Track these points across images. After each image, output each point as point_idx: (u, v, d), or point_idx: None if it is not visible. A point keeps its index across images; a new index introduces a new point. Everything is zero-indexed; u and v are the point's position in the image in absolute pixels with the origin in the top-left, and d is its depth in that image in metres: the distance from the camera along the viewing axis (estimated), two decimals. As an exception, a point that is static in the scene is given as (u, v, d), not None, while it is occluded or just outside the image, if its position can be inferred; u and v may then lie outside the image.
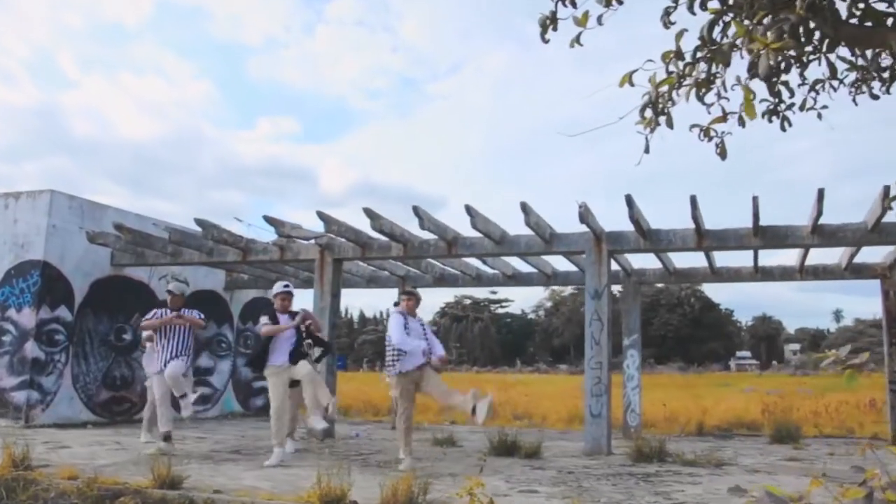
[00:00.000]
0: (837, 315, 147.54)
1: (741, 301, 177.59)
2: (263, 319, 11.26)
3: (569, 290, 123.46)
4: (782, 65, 4.35)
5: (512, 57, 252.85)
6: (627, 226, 13.47)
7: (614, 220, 13.84)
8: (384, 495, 7.43)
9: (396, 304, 11.28)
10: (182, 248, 16.31)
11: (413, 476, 7.72)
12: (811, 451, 14.24)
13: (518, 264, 18.02)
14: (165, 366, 12.00)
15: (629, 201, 12.72)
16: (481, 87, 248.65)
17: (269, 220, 14.32)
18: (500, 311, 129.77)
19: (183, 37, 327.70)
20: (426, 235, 14.55)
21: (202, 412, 19.32)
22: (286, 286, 11.55)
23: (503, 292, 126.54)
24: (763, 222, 13.13)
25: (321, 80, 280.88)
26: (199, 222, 14.95)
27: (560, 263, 17.99)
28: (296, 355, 11.16)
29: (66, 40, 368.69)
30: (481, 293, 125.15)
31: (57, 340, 15.86)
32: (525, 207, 13.10)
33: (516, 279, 18.52)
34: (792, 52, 4.28)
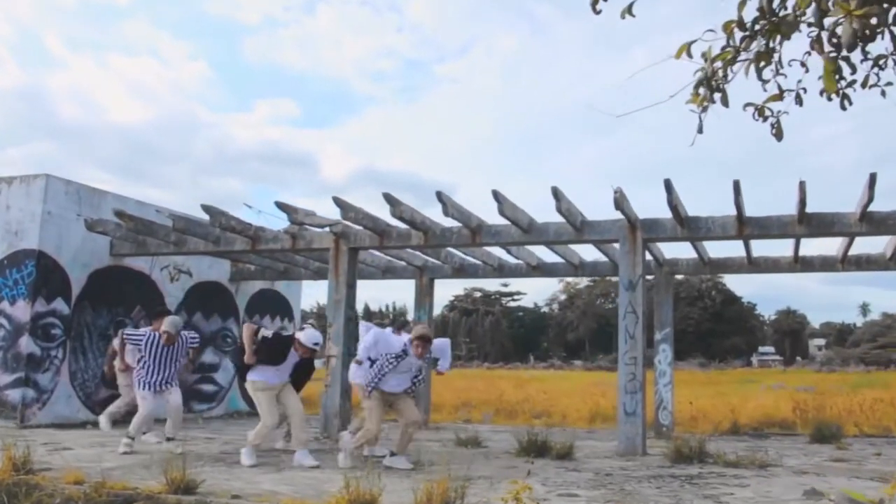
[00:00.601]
0: (864, 309, 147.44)
1: (764, 294, 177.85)
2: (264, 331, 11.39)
3: (584, 282, 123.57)
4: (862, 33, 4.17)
5: (523, 38, 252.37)
6: (655, 213, 13.39)
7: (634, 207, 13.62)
8: (418, 499, 7.26)
9: (393, 328, 11.56)
10: (186, 236, 16.13)
11: (448, 479, 7.54)
12: (855, 451, 14.15)
13: (543, 253, 17.85)
14: (160, 387, 12.29)
15: (668, 186, 12.55)
16: (491, 69, 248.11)
17: (282, 207, 14.14)
18: (512, 304, 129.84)
19: (177, 15, 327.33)
20: (448, 223, 14.40)
21: (207, 411, 19.20)
22: (316, 344, 11.30)
23: (515, 284, 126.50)
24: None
25: (322, 61, 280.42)
26: (206, 209, 14.76)
27: (588, 253, 17.83)
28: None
29: (53, 18, 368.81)
30: (492, 285, 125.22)
31: (53, 335, 15.71)
32: (556, 193, 12.91)
33: (541, 270, 18.33)
34: (873, 20, 4.12)
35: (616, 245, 16.13)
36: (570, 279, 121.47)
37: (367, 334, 11.26)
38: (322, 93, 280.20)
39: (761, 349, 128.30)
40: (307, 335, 11.18)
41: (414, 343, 10.98)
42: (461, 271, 18.81)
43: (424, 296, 19.05)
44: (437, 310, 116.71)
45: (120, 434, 12.44)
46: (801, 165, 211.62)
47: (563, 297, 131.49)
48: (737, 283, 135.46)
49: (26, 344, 15.24)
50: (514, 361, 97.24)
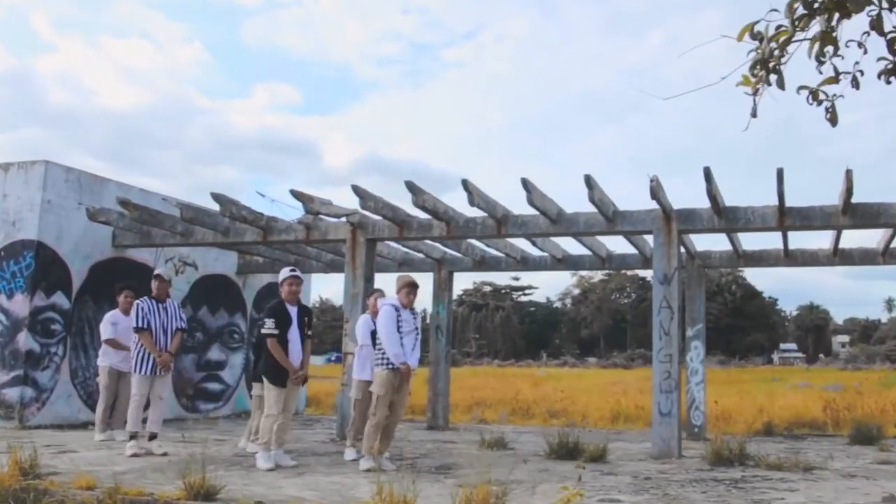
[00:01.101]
0: (890, 304, 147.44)
1: (785, 289, 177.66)
2: (269, 323, 10.98)
3: (598, 275, 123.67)
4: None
5: (534, 21, 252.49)
6: (681, 204, 13.36)
7: (645, 198, 13.51)
8: (457, 506, 7.13)
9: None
10: (194, 226, 16.00)
11: (488, 484, 7.41)
12: (900, 452, 14.07)
13: (569, 245, 17.74)
14: (152, 372, 12.07)
15: (707, 174, 12.39)
16: (501, 54, 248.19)
17: (297, 195, 14.00)
18: (524, 298, 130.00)
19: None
20: (471, 213, 14.27)
21: (213, 410, 19.10)
22: (293, 270, 11.23)
23: (527, 278, 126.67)
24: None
25: (325, 44, 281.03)
26: (215, 197, 14.61)
27: (616, 245, 17.72)
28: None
29: None
30: (503, 279, 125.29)
31: (53, 330, 15.58)
32: (589, 181, 12.76)
33: (566, 262, 18.20)
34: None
35: (646, 237, 16.13)
36: (584, 273, 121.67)
37: (380, 316, 11.06)
38: (324, 78, 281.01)
39: (783, 346, 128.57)
40: (282, 272, 11.40)
41: (402, 292, 10.93)
42: (482, 264, 18.68)
43: (443, 290, 18.93)
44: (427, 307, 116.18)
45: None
46: (821, 155, 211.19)
47: (576, 291, 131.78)
48: (757, 277, 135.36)
49: (25, 340, 15.10)
50: (525, 359, 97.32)
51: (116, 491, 8.13)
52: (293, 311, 11.03)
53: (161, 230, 16.34)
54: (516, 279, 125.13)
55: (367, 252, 14.96)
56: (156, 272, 12.71)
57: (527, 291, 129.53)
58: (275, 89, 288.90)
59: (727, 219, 13.53)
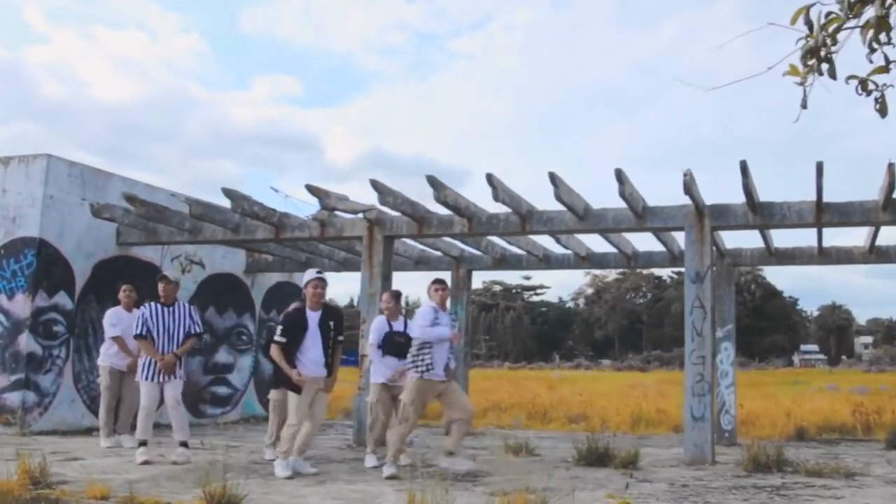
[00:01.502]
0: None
1: (806, 288, 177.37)
2: (278, 331, 10.88)
3: (612, 275, 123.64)
4: None
5: (544, 11, 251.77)
6: (683, 199, 13.24)
7: (660, 193, 13.46)
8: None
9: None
10: (203, 223, 15.93)
11: (527, 493, 7.33)
12: (942, 459, 14.04)
13: (594, 243, 17.67)
14: (156, 378, 11.98)
15: (744, 168, 12.29)
16: (510, 45, 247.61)
17: (312, 190, 13.91)
18: (535, 298, 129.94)
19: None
20: (494, 209, 14.20)
21: (221, 415, 19.03)
22: (319, 272, 11.09)
23: (538, 277, 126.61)
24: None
25: (326, 34, 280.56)
26: (227, 192, 14.52)
27: (642, 242, 17.64)
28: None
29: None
30: (513, 278, 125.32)
31: (56, 332, 15.48)
32: (620, 175, 12.68)
33: (590, 261, 18.13)
34: None
35: (674, 234, 16.07)
36: (598, 272, 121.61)
37: (418, 314, 10.98)
38: (326, 69, 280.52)
39: (803, 347, 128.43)
40: (307, 273, 11.25)
41: (430, 290, 10.94)
42: (502, 262, 18.59)
43: (461, 289, 18.88)
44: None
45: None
46: (834, 150, 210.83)
47: (589, 290, 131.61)
48: (777, 276, 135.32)
49: (26, 342, 14.99)
50: (537, 361, 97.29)
51: (132, 500, 8.11)
52: (314, 316, 10.81)
53: (168, 227, 16.25)
54: (527, 278, 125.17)
55: (384, 250, 14.86)
56: (161, 273, 12.62)
57: (538, 291, 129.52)
58: (275, 81, 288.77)
59: (762, 215, 13.40)
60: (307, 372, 10.58)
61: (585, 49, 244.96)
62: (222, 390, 19.53)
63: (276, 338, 10.75)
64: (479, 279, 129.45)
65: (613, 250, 17.43)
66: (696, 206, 13.38)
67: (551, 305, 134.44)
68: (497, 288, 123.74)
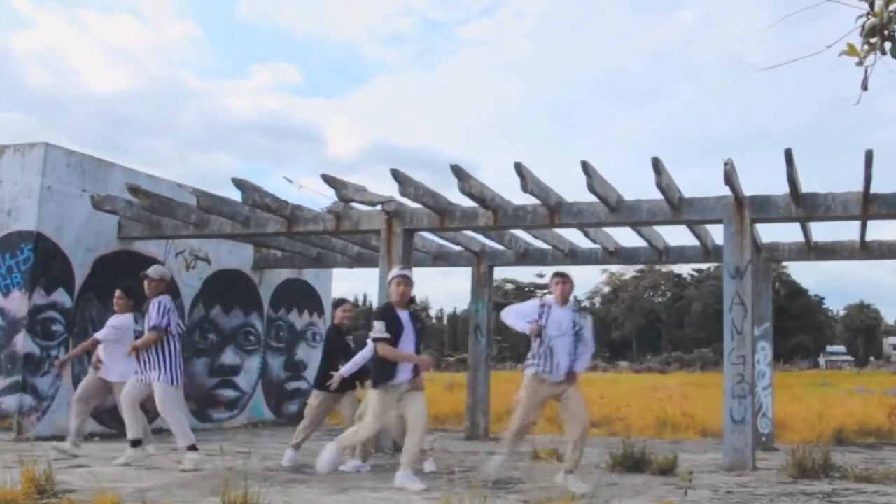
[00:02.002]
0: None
1: (831, 286, 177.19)
2: (378, 327, 10.32)
3: (630, 272, 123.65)
4: None
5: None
6: (705, 191, 13.13)
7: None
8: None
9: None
10: (210, 216, 15.79)
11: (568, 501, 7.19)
12: None
13: (623, 237, 17.55)
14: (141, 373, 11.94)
15: (788, 157, 12.14)
16: (520, 32, 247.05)
17: (328, 180, 13.75)
18: (549, 297, 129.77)
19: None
20: (520, 200, 14.11)
21: (227, 420, 18.90)
22: (402, 269, 10.84)
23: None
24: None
25: (328, 21, 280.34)
26: (237, 182, 14.36)
27: (674, 236, 17.48)
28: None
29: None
30: (526, 276, 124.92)
31: (54, 332, 15.38)
32: (657, 164, 12.54)
33: (619, 255, 17.98)
34: None
35: (708, 226, 15.95)
36: (614, 269, 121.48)
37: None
38: (329, 58, 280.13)
39: (829, 348, 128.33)
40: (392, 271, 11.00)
41: (553, 282, 10.80)
42: (526, 257, 18.43)
43: (483, 286, 18.75)
44: (464, 304, 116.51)
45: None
46: (861, 142, 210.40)
47: (606, 289, 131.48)
48: (801, 274, 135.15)
49: (23, 342, 14.89)
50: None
51: (146, 511, 7.92)
52: (404, 316, 10.52)
53: (173, 220, 16.11)
54: (541, 276, 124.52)
55: (404, 244, 14.74)
56: (144, 272, 12.32)
57: (552, 290, 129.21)
58: (274, 70, 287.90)
59: (805, 206, 13.29)
60: (401, 373, 10.29)
61: (598, 36, 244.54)
62: (229, 393, 19.45)
63: (381, 333, 10.25)
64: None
65: (643, 244, 17.29)
66: (736, 197, 13.24)
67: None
68: (509, 286, 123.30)
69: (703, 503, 9.35)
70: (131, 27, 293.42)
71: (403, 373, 10.25)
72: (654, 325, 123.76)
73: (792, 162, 12.20)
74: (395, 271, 10.84)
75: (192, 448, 11.62)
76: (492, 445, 15.81)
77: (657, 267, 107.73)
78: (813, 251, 17.28)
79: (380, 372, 10.29)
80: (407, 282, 10.53)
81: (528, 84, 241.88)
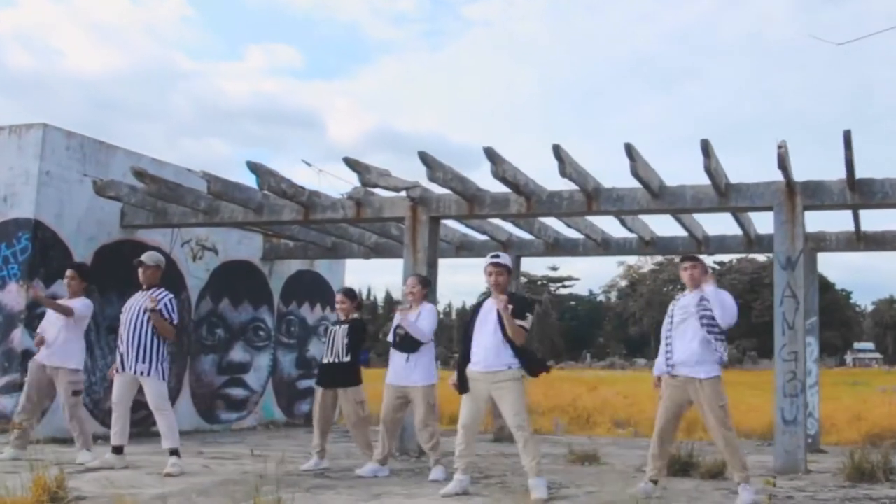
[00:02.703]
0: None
1: (859, 281, 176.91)
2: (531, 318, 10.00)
3: (648, 265, 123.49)
4: None
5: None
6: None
7: (695, 174, 13.16)
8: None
9: None
10: (220, 203, 15.62)
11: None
12: None
13: (661, 226, 17.39)
14: (124, 367, 11.72)
15: (847, 139, 11.96)
16: (532, 11, 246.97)
17: (351, 164, 13.58)
18: (563, 291, 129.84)
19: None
20: (555, 186, 13.98)
21: (237, 421, 18.73)
22: (495, 256, 10.28)
23: (567, 268, 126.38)
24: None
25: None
26: (252, 166, 14.11)
27: (714, 225, 17.36)
28: None
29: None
30: (539, 269, 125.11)
31: (53, 327, 15.16)
32: (707, 147, 12.33)
33: (655, 245, 17.83)
34: None
35: (750, 215, 15.79)
36: (633, 262, 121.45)
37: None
38: (329, 38, 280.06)
39: (857, 346, 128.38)
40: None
41: (681, 268, 10.34)
42: (556, 247, 18.26)
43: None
44: (473, 298, 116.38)
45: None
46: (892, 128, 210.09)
47: (623, 283, 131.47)
48: (827, 268, 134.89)
49: (20, 338, 14.70)
50: (566, 360, 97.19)
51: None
52: (487, 304, 10.13)
53: (181, 207, 15.95)
54: (554, 269, 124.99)
55: (430, 232, 14.59)
56: (139, 258, 12.14)
57: (566, 283, 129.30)
58: (272, 51, 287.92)
59: (861, 193, 13.15)
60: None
61: (617, 17, 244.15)
62: (238, 392, 19.32)
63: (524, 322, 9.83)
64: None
65: (682, 234, 17.15)
66: (788, 183, 13.07)
67: (581, 299, 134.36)
68: (521, 280, 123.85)
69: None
70: (119, 4, 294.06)
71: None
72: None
73: (850, 144, 12.04)
74: (487, 258, 10.32)
75: (175, 452, 11.45)
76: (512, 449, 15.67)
77: (676, 260, 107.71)
78: (862, 241, 17.12)
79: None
80: (499, 269, 10.03)
81: (542, 66, 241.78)
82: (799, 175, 13.08)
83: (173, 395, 17.03)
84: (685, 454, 12.08)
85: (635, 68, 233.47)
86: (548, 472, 11.37)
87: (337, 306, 12.73)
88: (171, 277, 16.79)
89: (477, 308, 10.26)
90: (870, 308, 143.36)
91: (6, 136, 15.37)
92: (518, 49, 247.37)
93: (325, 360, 12.34)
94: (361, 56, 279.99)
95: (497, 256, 10.18)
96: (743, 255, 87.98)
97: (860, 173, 12.71)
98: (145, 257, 12.02)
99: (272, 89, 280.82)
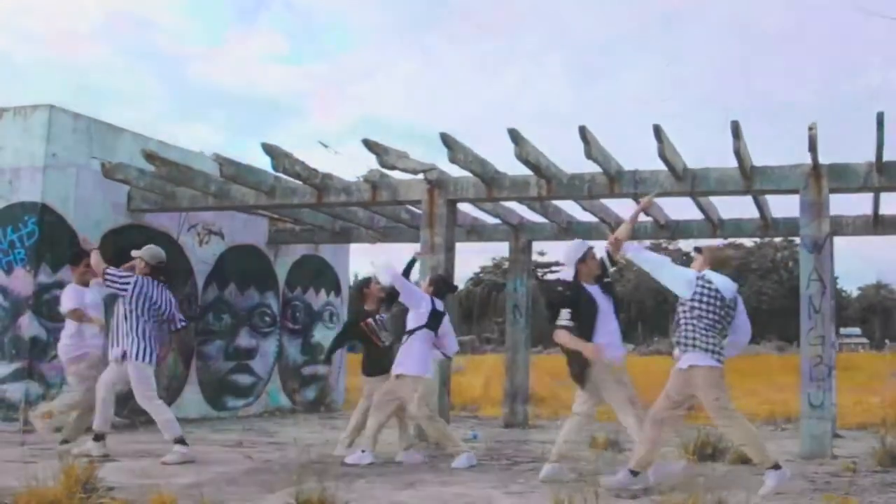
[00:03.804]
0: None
1: (850, 265, 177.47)
2: (566, 315, 9.93)
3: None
4: None
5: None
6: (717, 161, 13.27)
7: (695, 154, 13.14)
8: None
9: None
10: (230, 186, 15.43)
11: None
12: None
13: (676, 209, 17.29)
14: (124, 357, 11.54)
15: (880, 121, 11.89)
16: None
17: (369, 145, 13.40)
18: (550, 276, 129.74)
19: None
20: (575, 168, 13.92)
21: (242, 408, 18.60)
22: (585, 245, 10.28)
23: (554, 253, 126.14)
24: None
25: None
26: (267, 148, 13.93)
27: (728, 208, 17.27)
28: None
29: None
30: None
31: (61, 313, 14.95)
32: (736, 128, 12.24)
33: (669, 229, 17.76)
34: None
35: (767, 198, 15.70)
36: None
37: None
38: (315, 23, 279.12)
39: (843, 331, 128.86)
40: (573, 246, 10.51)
41: (696, 256, 10.07)
42: (568, 231, 18.08)
43: (520, 262, 18.54)
44: (462, 284, 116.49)
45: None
46: (878, 109, 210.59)
47: (611, 269, 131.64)
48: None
49: (28, 324, 14.57)
50: (555, 346, 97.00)
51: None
52: (595, 290, 10.10)
53: (190, 190, 15.77)
54: (542, 254, 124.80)
55: (447, 216, 14.45)
56: (137, 253, 12.29)
57: (554, 269, 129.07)
58: (255, 35, 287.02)
59: (887, 175, 13.11)
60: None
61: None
62: (244, 379, 19.17)
63: (566, 322, 9.93)
64: (488, 255, 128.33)
65: (697, 217, 17.04)
66: (815, 165, 13.00)
67: (568, 285, 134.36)
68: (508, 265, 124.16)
69: (808, 494, 9.20)
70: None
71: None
72: (662, 306, 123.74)
73: (883, 126, 11.96)
74: (580, 245, 10.36)
75: (181, 441, 11.34)
76: (538, 433, 15.56)
77: (664, 244, 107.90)
78: (880, 225, 17.06)
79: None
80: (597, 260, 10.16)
81: (534, 46, 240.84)
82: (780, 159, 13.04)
83: (181, 383, 17.01)
84: (712, 441, 12.05)
85: (626, 44, 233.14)
86: (582, 460, 11.25)
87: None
88: (178, 263, 16.69)
89: (588, 297, 10.04)
90: (856, 293, 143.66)
91: (10, 118, 15.20)
92: (511, 28, 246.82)
93: None
94: (347, 39, 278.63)
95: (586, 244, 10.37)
96: (731, 240, 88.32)
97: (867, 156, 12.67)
98: (146, 255, 12.19)
99: (255, 75, 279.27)
